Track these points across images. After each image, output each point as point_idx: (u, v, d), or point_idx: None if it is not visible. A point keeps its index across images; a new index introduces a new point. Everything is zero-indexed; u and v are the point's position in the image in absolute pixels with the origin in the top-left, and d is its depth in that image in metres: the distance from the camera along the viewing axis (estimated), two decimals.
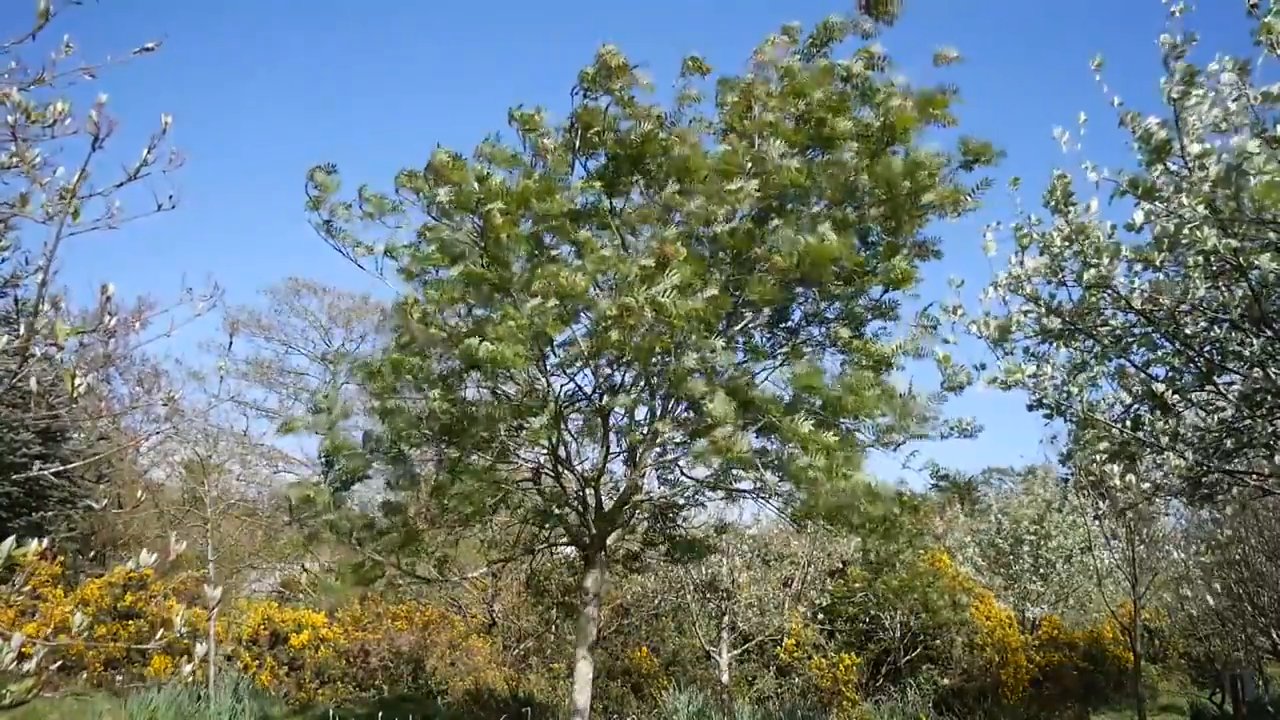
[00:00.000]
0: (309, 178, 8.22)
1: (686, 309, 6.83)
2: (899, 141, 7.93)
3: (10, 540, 2.39)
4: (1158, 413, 5.33)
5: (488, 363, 6.85)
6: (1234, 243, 4.15)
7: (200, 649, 2.57)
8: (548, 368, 8.42)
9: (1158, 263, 4.79)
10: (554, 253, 8.28)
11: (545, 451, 8.79)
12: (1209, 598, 13.20)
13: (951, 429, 7.75)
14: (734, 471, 8.72)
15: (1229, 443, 5.55)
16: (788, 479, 7.53)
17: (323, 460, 8.59)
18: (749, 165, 7.59)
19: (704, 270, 7.45)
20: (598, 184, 8.31)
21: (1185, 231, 4.29)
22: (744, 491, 8.97)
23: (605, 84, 8.19)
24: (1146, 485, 5.70)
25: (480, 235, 7.71)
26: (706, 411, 7.00)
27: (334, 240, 8.41)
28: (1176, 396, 5.23)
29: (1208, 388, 5.31)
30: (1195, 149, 4.19)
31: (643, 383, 8.62)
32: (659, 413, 8.50)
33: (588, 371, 8.73)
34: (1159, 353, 5.59)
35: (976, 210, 7.95)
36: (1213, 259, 4.46)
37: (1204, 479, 5.77)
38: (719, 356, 7.43)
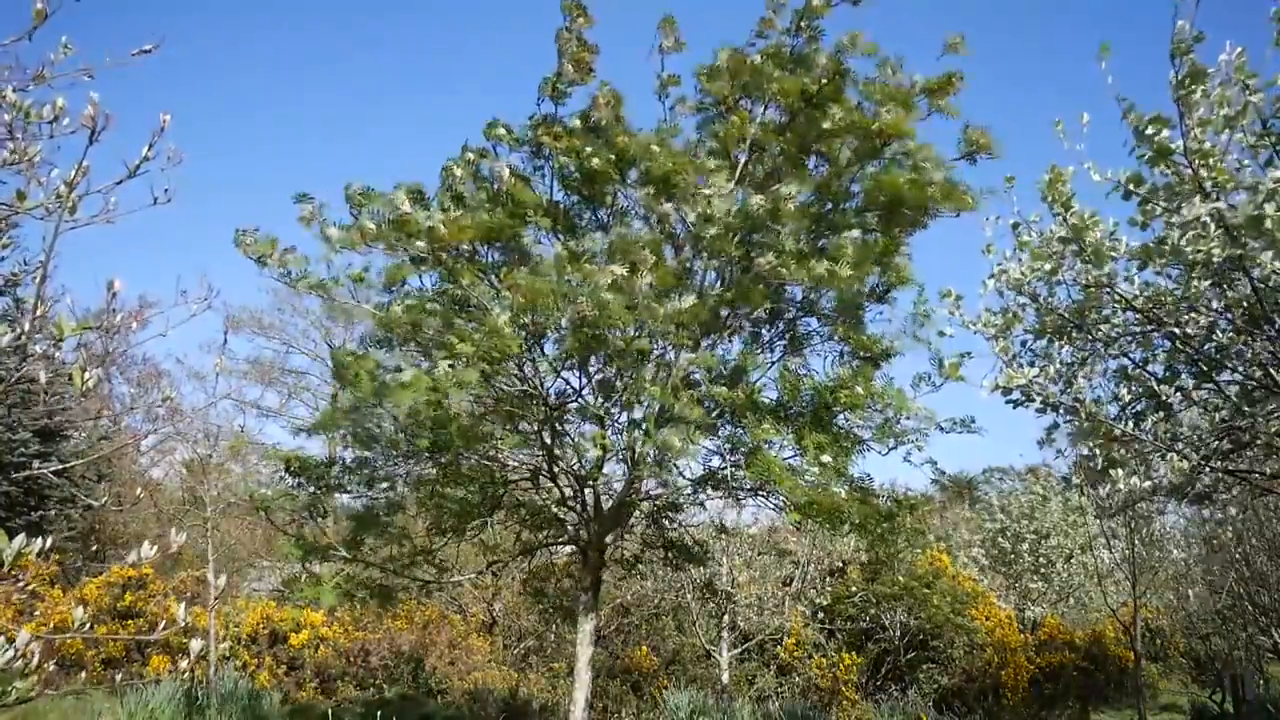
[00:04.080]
0: (236, 244, 7.86)
1: (661, 314, 6.78)
2: (895, 139, 7.84)
3: (21, 537, 2.39)
4: (1160, 413, 5.32)
5: (436, 389, 6.78)
6: (1238, 250, 4.13)
7: (197, 644, 2.56)
8: (540, 370, 8.41)
9: (1159, 266, 4.77)
10: (523, 266, 8.15)
11: (541, 453, 8.78)
12: (1210, 596, 13.20)
13: (955, 423, 7.72)
14: (726, 472, 8.70)
15: (1227, 443, 5.55)
16: (750, 473, 7.44)
17: (289, 473, 8.54)
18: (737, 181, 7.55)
19: (677, 276, 7.38)
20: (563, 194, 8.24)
21: (1190, 238, 4.27)
22: (741, 490, 8.95)
23: (574, 79, 8.10)
24: (1147, 484, 5.69)
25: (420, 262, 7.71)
26: (673, 414, 6.97)
27: (295, 287, 8.26)
28: (1178, 395, 5.22)
29: (1207, 386, 5.30)
30: (1199, 136, 4.16)
31: (622, 384, 8.59)
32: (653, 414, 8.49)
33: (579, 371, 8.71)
34: (1157, 352, 5.59)
35: (976, 210, 7.87)
36: (1215, 261, 4.44)
37: (1201, 479, 5.76)
38: (693, 359, 7.40)
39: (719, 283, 8.35)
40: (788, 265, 7.15)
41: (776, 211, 7.32)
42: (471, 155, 8.22)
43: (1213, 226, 4.18)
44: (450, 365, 6.71)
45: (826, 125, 7.66)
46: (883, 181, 7.55)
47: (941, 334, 7.24)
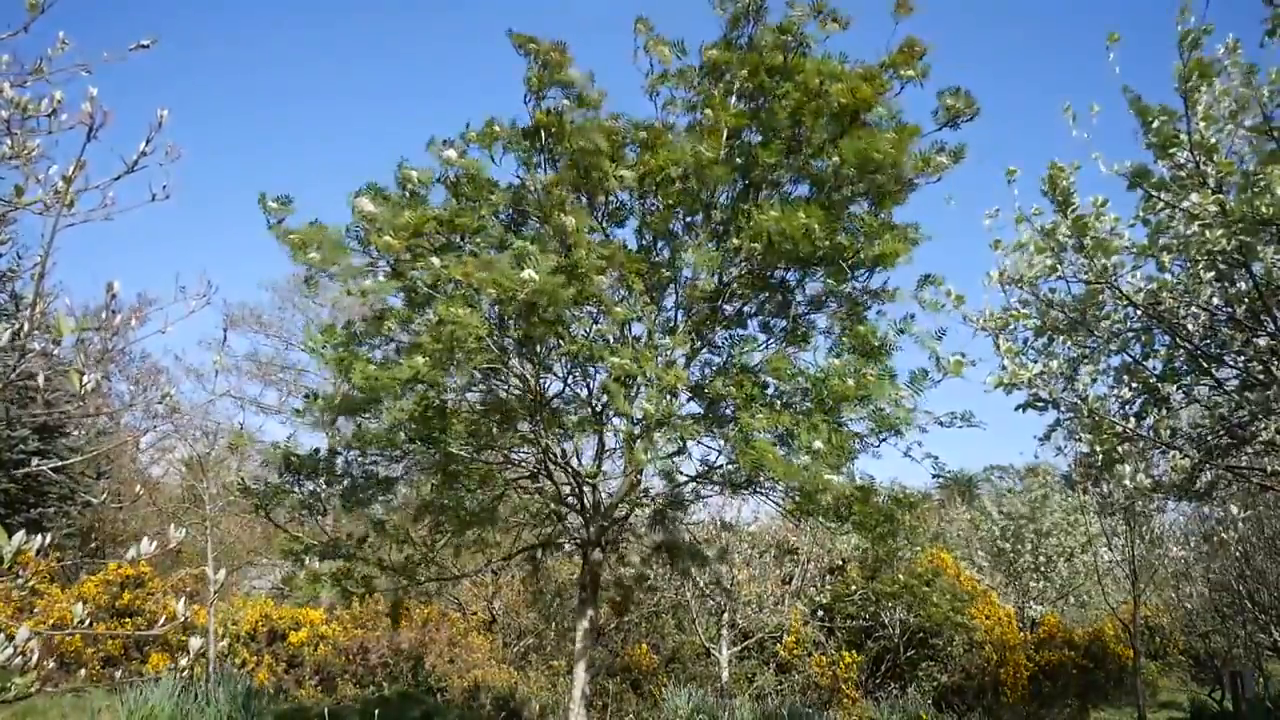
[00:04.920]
0: (260, 204, 7.73)
1: (599, 281, 6.83)
2: (864, 111, 7.77)
3: (21, 534, 2.38)
4: (1159, 409, 5.30)
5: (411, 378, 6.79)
6: (1242, 239, 4.12)
7: (196, 641, 2.56)
8: (538, 367, 8.40)
9: (1163, 261, 4.76)
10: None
11: (539, 451, 8.77)
12: (1210, 594, 13.20)
13: (954, 418, 7.67)
14: (723, 467, 8.69)
15: (1226, 439, 5.54)
16: (743, 462, 7.40)
17: (289, 470, 8.51)
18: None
19: (613, 251, 7.37)
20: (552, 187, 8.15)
21: (1194, 230, 4.26)
22: (737, 483, 8.92)
23: (553, 77, 8.08)
24: (1147, 482, 5.68)
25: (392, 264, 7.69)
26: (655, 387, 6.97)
27: (298, 258, 8.23)
28: (1179, 392, 5.21)
29: (1206, 381, 5.29)
30: (1204, 130, 4.15)
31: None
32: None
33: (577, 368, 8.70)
34: (1158, 349, 5.58)
35: (960, 163, 7.71)
36: (1218, 256, 4.43)
37: (1202, 476, 5.76)
38: (673, 341, 7.41)
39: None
40: (746, 231, 7.21)
41: (699, 161, 7.32)
42: (410, 168, 8.08)
43: (1219, 218, 4.16)
44: (424, 357, 6.74)
45: (791, 102, 7.62)
46: (844, 149, 7.49)
47: (939, 336, 7.23)
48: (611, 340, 7.65)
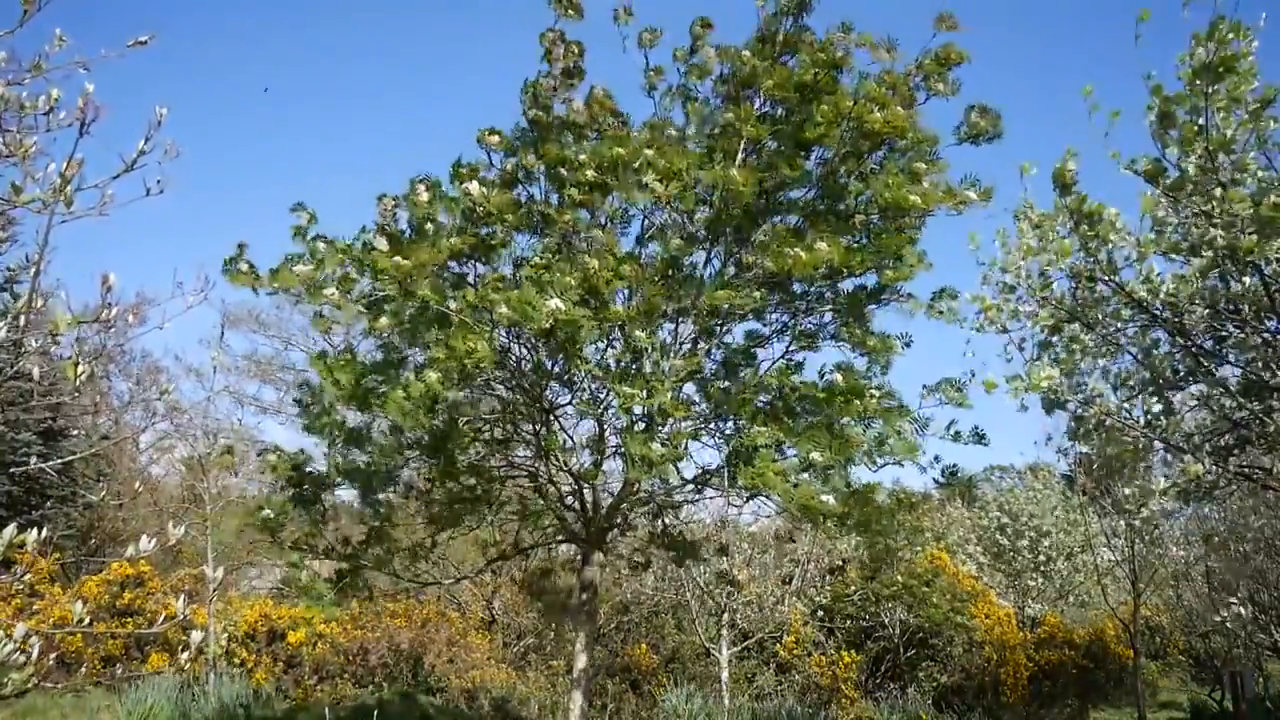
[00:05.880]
0: (224, 274, 7.75)
1: (618, 311, 6.81)
2: (892, 137, 7.70)
3: (12, 527, 2.38)
4: (1168, 413, 5.28)
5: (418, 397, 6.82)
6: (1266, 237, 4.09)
7: (197, 635, 2.56)
8: (539, 377, 8.40)
9: (1166, 251, 4.74)
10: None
11: (539, 451, 8.76)
12: (1210, 594, 13.19)
13: (964, 435, 7.59)
14: (722, 473, 8.66)
15: (1229, 438, 5.53)
16: (743, 479, 7.32)
17: (290, 484, 8.50)
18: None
19: (635, 276, 7.32)
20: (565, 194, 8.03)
21: (1218, 230, 4.22)
22: (735, 488, 8.89)
23: (564, 85, 8.00)
24: (1152, 487, 5.67)
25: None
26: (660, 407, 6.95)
27: (305, 302, 8.19)
28: (1185, 395, 5.19)
29: (1205, 379, 5.27)
30: (1221, 124, 4.12)
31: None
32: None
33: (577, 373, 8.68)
34: (1161, 349, 5.56)
35: (980, 203, 7.65)
36: (1232, 256, 4.41)
37: (1206, 477, 5.75)
38: (683, 366, 7.44)
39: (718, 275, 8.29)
40: (767, 251, 7.18)
41: (729, 184, 7.26)
42: (419, 190, 7.89)
43: (1251, 218, 4.13)
44: (436, 374, 6.76)
45: (820, 119, 7.52)
46: (874, 184, 7.43)
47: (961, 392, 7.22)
48: (620, 365, 7.62)
